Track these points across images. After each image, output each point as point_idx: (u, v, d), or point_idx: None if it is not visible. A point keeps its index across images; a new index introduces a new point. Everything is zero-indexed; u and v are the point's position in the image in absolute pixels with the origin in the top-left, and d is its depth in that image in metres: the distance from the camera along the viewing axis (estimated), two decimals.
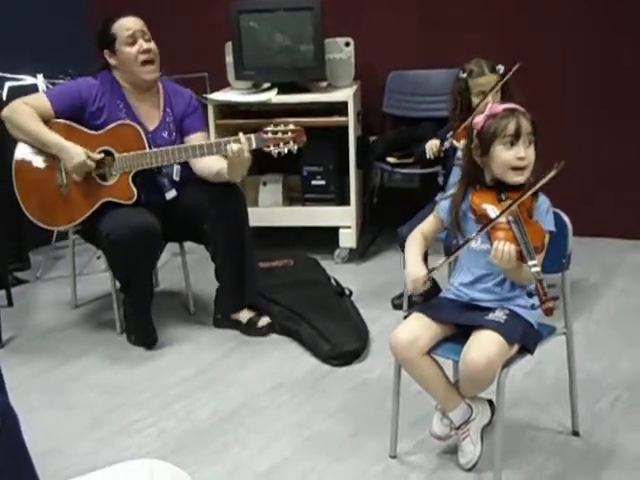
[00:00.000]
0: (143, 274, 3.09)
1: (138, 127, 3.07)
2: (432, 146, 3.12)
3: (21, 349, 3.20)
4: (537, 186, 2.05)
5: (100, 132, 3.08)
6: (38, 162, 3.12)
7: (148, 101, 3.20)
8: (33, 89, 3.72)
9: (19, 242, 3.94)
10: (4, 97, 3.67)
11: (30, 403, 2.61)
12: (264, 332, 3.22)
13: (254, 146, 2.95)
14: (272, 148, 2.95)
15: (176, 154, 3.02)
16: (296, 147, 2.97)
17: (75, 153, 3.00)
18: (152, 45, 3.13)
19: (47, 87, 3.76)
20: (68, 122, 3.08)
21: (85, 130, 3.08)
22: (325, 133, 3.99)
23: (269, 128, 2.96)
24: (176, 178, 3.17)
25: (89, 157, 3.01)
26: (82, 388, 2.85)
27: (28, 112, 3.04)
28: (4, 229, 3.68)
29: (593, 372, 2.74)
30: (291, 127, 2.97)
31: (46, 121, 3.06)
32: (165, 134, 3.18)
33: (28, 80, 3.81)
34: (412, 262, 2.21)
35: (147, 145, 3.05)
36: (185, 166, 3.18)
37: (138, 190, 3.05)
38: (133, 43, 3.07)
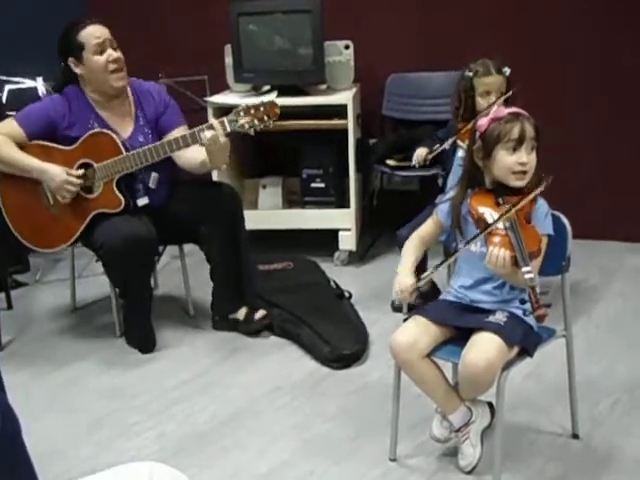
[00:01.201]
0: (140, 281, 3.08)
1: (111, 133, 3.03)
2: (419, 155, 3.14)
3: (20, 352, 3.19)
4: (531, 195, 2.04)
5: (75, 146, 3.04)
6: (22, 189, 3.08)
7: (117, 109, 3.14)
8: (33, 92, 3.72)
9: (18, 245, 3.93)
10: (4, 100, 3.67)
11: (29, 406, 2.59)
12: (262, 324, 3.21)
13: (228, 129, 2.90)
14: (247, 127, 2.89)
15: (153, 152, 2.98)
16: (271, 122, 2.90)
17: (54, 174, 2.98)
18: (120, 54, 3.07)
19: (47, 90, 3.76)
20: (43, 143, 3.04)
21: (61, 147, 3.05)
22: (325, 136, 3.99)
23: (240, 107, 2.90)
24: (152, 186, 3.13)
25: (69, 174, 2.99)
26: (81, 391, 2.85)
27: (2, 140, 3.00)
28: (2, 232, 3.67)
29: (592, 375, 2.74)
30: (262, 102, 2.91)
31: (21, 146, 3.02)
32: (141, 138, 3.13)
33: (28, 83, 3.80)
34: (402, 271, 2.21)
35: (123, 149, 3.01)
36: (164, 173, 3.14)
37: (125, 196, 3.03)
38: (102, 52, 3.01)
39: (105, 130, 3.04)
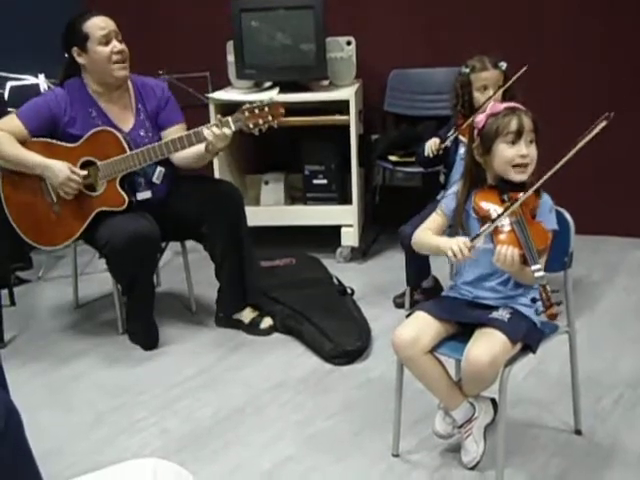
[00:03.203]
0: (143, 278, 3.09)
1: (115, 132, 3.03)
2: (432, 144, 3.12)
3: (23, 349, 3.20)
4: (537, 184, 2.04)
5: (78, 143, 3.04)
6: (25, 185, 3.08)
7: (119, 102, 3.14)
8: (34, 89, 3.72)
9: (21, 242, 3.93)
10: (6, 97, 3.67)
11: (32, 403, 2.60)
12: (266, 333, 3.22)
13: (233, 128, 2.91)
14: (251, 127, 2.91)
15: (157, 151, 2.99)
16: (275, 122, 2.92)
17: (58, 169, 2.98)
18: (124, 46, 3.07)
19: (48, 87, 3.76)
20: (45, 139, 3.04)
21: (64, 144, 3.04)
22: (327, 132, 3.99)
23: (245, 107, 2.91)
24: (157, 181, 3.13)
25: (73, 171, 2.99)
26: (84, 388, 2.85)
27: (4, 137, 2.99)
28: (5, 229, 3.67)
29: (595, 370, 2.73)
30: (267, 102, 2.92)
31: (23, 142, 3.02)
32: (142, 132, 3.14)
33: (30, 80, 3.80)
34: (443, 239, 2.14)
35: (127, 148, 3.01)
36: (168, 168, 3.14)
37: (129, 194, 3.03)
38: (107, 43, 3.02)
39: (109, 128, 3.04)
